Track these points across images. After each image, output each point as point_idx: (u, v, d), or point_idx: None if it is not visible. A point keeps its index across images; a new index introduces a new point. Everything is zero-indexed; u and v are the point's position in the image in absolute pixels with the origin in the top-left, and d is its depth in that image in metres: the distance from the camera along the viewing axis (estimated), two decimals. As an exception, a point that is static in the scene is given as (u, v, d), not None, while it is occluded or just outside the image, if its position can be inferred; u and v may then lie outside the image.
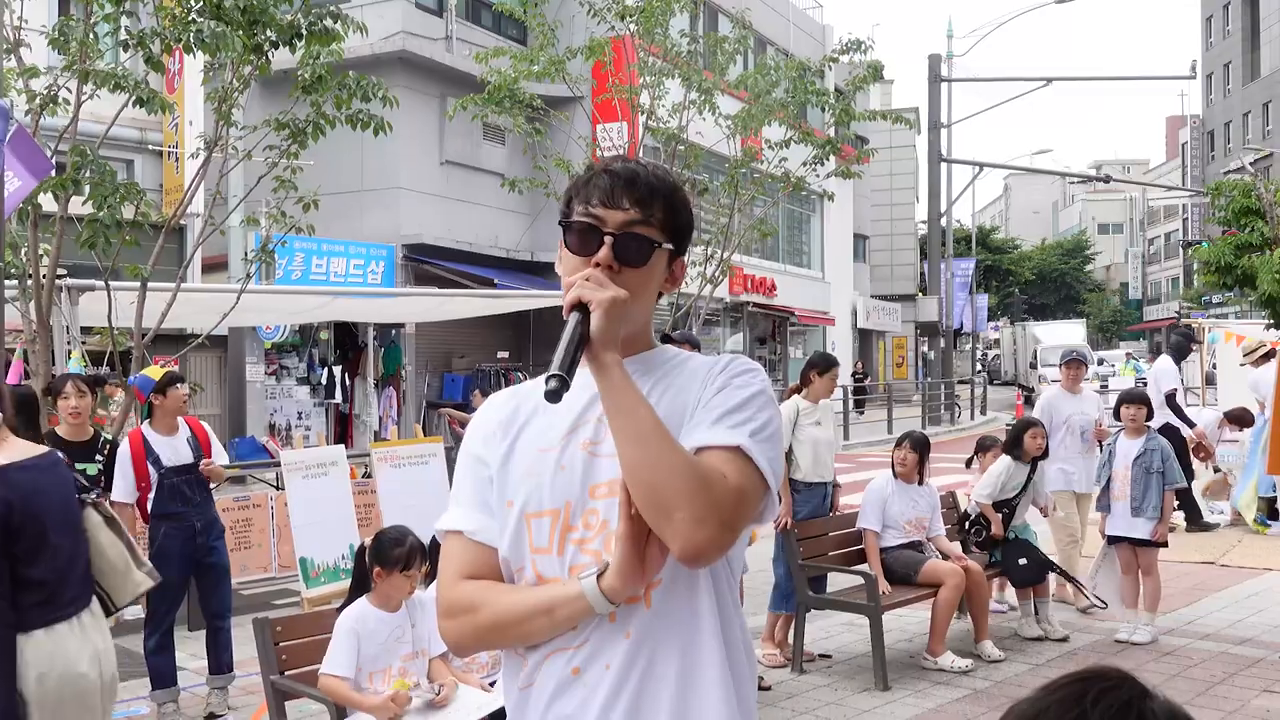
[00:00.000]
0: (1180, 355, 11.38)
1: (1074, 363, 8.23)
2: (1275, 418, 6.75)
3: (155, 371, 5.99)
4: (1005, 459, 7.14)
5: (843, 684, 6.10)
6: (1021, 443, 7.11)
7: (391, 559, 4.03)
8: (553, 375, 1.53)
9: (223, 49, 6.33)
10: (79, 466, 5.47)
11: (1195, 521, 10.70)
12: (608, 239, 1.67)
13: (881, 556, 6.54)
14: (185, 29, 6.37)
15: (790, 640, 6.52)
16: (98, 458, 5.68)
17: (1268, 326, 15.59)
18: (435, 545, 4.37)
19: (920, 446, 6.83)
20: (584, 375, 1.64)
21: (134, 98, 6.64)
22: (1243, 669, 6.23)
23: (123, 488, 5.71)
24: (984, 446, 7.78)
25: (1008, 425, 16.15)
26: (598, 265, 1.65)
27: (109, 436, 5.91)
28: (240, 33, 6.39)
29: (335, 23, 6.82)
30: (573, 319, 1.59)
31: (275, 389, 16.75)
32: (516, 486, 1.68)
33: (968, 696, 5.82)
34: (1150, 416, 7.10)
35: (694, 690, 1.64)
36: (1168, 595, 7.38)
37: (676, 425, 1.64)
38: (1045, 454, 7.22)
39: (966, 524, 7.14)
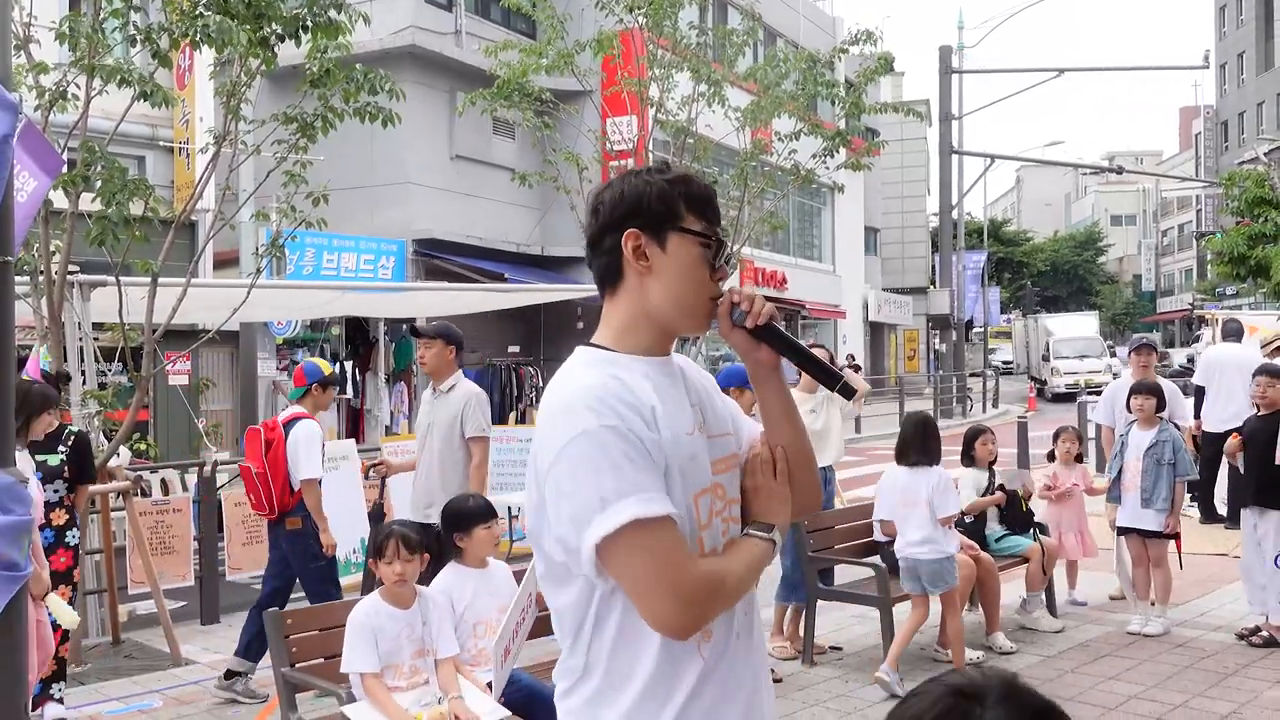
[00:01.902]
0: (1240, 340, 11.39)
1: (1143, 349, 8.00)
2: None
3: (325, 365, 6.46)
4: (967, 471, 7.16)
5: (853, 676, 6.09)
6: (973, 450, 7.13)
7: (374, 549, 4.13)
8: (844, 381, 1.95)
9: (228, 43, 6.33)
10: (39, 458, 5.57)
11: (1209, 514, 10.65)
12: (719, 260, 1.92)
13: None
14: (192, 23, 6.38)
15: (801, 632, 6.52)
16: (60, 449, 5.75)
17: (1281, 317, 15.49)
18: (435, 533, 4.40)
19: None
20: (669, 364, 1.90)
21: (139, 92, 6.65)
22: (1255, 661, 6.20)
23: (316, 467, 6.12)
24: (1057, 436, 7.85)
25: (1019, 419, 16.10)
26: (719, 279, 1.90)
27: (75, 429, 5.96)
28: (246, 26, 6.39)
29: (339, 13, 6.81)
30: (783, 335, 1.91)
31: (287, 384, 16.79)
32: (685, 469, 1.80)
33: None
34: (1161, 408, 7.05)
35: (759, 614, 2.02)
36: (1180, 587, 7.36)
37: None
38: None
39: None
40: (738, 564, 1.82)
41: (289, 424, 6.10)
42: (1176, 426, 8.14)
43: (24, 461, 5.14)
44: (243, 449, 6.45)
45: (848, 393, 1.93)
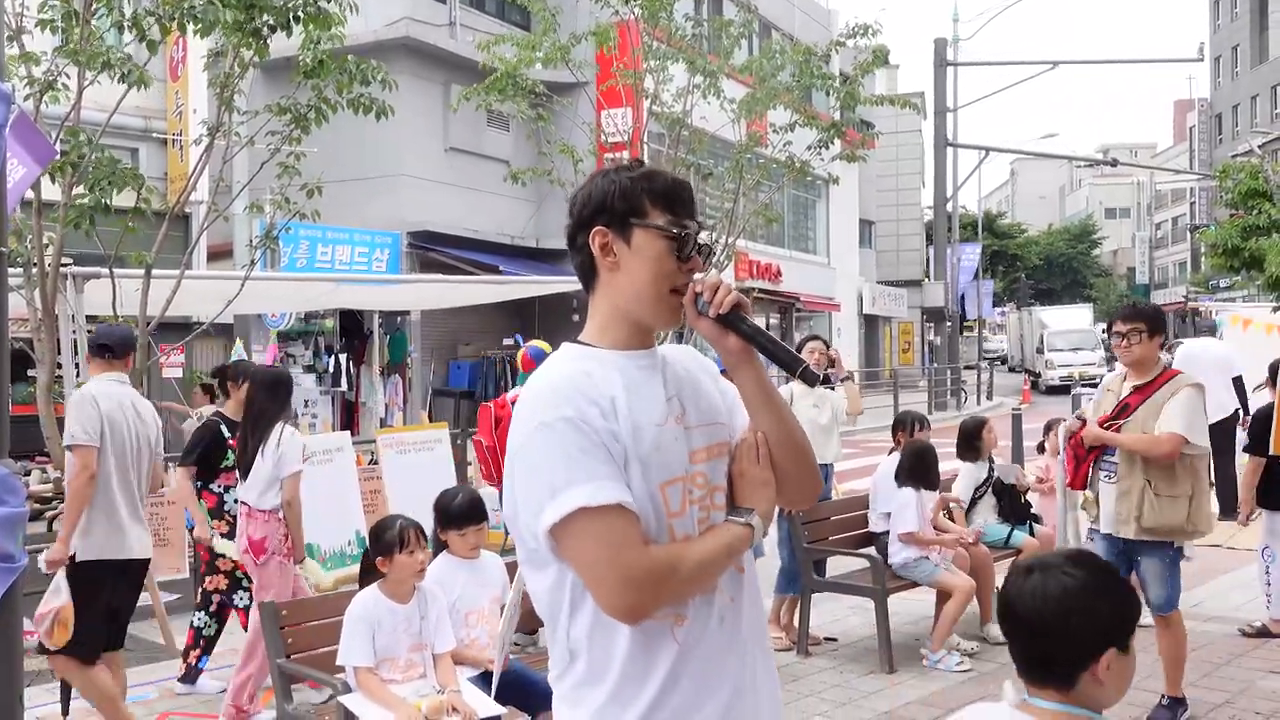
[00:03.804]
0: (1214, 334, 11.57)
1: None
2: (1281, 399, 6.72)
3: (546, 345, 6.75)
4: (966, 465, 7.17)
5: (848, 666, 6.10)
6: (978, 441, 7.13)
7: (386, 544, 4.03)
8: (806, 367, 1.94)
9: (214, 25, 6.32)
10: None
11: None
12: (698, 250, 1.93)
13: (887, 559, 6.46)
14: (177, 6, 6.36)
15: (796, 623, 6.53)
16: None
17: (1275, 309, 15.51)
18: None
19: (927, 425, 6.90)
20: (649, 357, 1.93)
21: (120, 74, 6.63)
22: (1249, 651, 6.23)
23: None
24: (1050, 427, 7.89)
25: (1013, 411, 16.13)
26: (690, 273, 1.91)
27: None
28: (234, 11, 6.38)
29: (330, 3, 6.79)
30: (745, 321, 1.91)
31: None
32: (648, 459, 1.83)
33: (973, 679, 5.83)
34: None
35: (762, 605, 2.05)
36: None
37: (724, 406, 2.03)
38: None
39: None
40: (700, 549, 1.84)
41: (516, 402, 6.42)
42: None
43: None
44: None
45: (810, 379, 1.96)
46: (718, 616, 1.89)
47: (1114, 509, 5.00)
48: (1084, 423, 5.22)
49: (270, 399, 5.61)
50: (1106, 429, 5.05)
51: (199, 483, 6.05)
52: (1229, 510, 10.69)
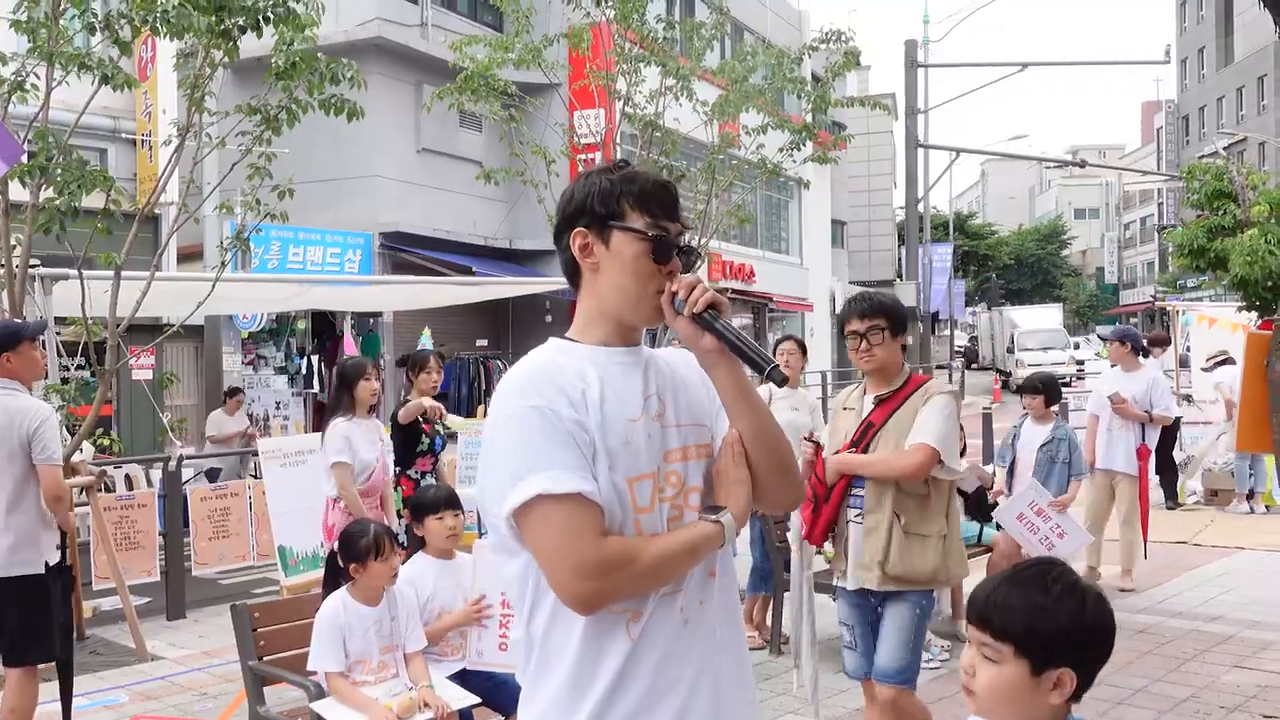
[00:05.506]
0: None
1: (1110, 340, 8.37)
2: (1243, 395, 6.82)
3: None
4: None
5: (820, 664, 6.12)
6: None
7: (361, 551, 4.00)
8: (775, 367, 1.89)
9: (187, 30, 6.30)
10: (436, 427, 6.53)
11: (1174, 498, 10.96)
12: (677, 251, 1.95)
13: None
14: (151, 8, 6.33)
15: (768, 622, 6.57)
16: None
17: (1240, 308, 15.72)
18: (409, 529, 4.40)
19: None
20: (632, 354, 1.95)
21: (100, 76, 6.59)
22: (1213, 646, 6.32)
23: None
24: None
25: (984, 410, 16.25)
26: (671, 274, 1.93)
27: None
28: (206, 16, 6.35)
29: (298, 3, 6.76)
30: (717, 320, 1.91)
31: (253, 378, 16.67)
32: (616, 453, 1.84)
33: (944, 675, 5.88)
34: (1050, 402, 7.14)
35: (738, 610, 2.05)
36: (1142, 573, 7.47)
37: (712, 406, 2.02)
38: None
39: None
40: (661, 544, 1.83)
41: None
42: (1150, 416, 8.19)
43: (372, 428, 6.00)
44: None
45: (779, 379, 1.92)
46: (681, 618, 1.87)
47: (861, 554, 3.97)
48: (819, 448, 4.09)
49: (338, 389, 5.94)
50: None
51: (398, 469, 6.38)
52: (1171, 497, 11.09)
